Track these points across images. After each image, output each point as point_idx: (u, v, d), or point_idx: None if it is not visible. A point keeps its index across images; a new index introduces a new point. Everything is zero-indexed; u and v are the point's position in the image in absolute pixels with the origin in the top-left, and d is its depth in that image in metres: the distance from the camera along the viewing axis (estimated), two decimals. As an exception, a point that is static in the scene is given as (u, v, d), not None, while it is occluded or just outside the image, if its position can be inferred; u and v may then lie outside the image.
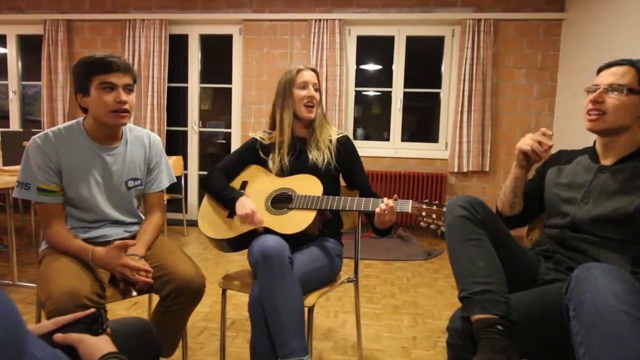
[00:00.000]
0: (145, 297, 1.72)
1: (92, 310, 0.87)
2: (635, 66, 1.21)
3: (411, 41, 4.35)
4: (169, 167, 1.73)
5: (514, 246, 1.27)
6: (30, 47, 4.88)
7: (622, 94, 1.20)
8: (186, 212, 4.48)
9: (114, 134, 1.55)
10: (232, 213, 1.65)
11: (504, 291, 1.09)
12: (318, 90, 1.74)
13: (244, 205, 1.58)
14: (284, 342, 1.31)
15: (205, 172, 4.72)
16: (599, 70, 1.30)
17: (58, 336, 0.81)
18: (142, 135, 1.65)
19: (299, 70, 1.71)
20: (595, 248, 1.20)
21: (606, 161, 1.29)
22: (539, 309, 1.09)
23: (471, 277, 1.11)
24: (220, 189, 1.68)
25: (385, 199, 1.49)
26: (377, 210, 1.47)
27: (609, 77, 1.23)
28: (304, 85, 1.70)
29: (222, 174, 1.73)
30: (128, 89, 1.46)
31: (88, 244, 1.44)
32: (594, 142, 1.37)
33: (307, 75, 1.70)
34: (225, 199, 1.66)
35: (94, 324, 0.84)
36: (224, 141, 5.01)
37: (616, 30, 3.13)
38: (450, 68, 4.31)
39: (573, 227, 1.25)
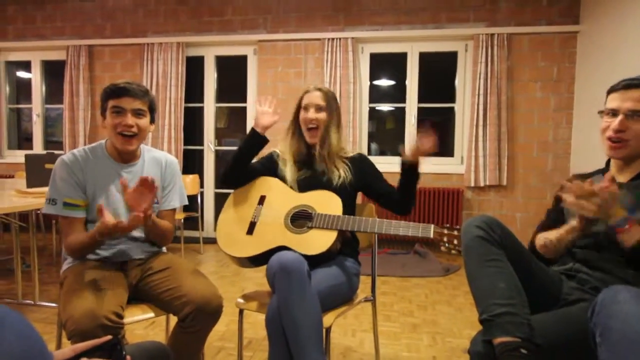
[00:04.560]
0: (163, 317, 1.73)
1: (109, 337, 0.88)
2: None
3: (424, 56, 4.37)
4: (182, 190, 1.77)
5: (534, 265, 1.24)
6: (53, 71, 5.06)
7: None
8: (202, 229, 4.52)
9: (131, 154, 1.62)
10: (252, 230, 1.65)
11: (526, 313, 1.06)
12: (324, 110, 1.72)
13: (258, 115, 1.70)
14: (302, 355, 1.30)
15: (221, 190, 4.79)
16: (611, 91, 1.26)
17: None
18: (160, 156, 1.72)
19: (305, 92, 1.76)
20: (621, 268, 1.16)
21: (622, 178, 1.27)
22: (564, 331, 1.06)
23: (491, 298, 1.08)
24: (235, 150, 1.71)
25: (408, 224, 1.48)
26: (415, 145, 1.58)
27: (626, 101, 1.20)
28: (306, 108, 1.73)
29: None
30: (138, 113, 1.54)
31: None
32: (606, 162, 1.34)
33: (310, 97, 1.73)
34: (245, 145, 1.70)
35: (114, 352, 0.85)
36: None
37: (631, 42, 3.09)
38: (464, 82, 4.30)
39: (597, 247, 1.22)
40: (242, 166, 1.73)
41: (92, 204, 1.55)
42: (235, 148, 1.75)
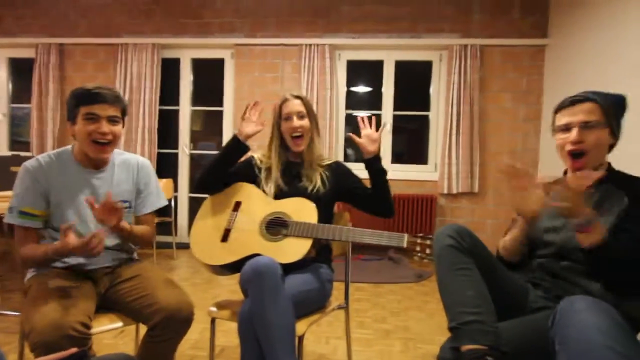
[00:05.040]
0: (132, 326, 1.69)
1: (74, 350, 0.86)
2: (595, 101, 1.26)
3: (400, 65, 4.44)
4: (159, 190, 1.74)
5: (501, 274, 1.28)
6: (20, 69, 4.89)
7: (598, 130, 1.24)
8: (176, 234, 4.44)
9: (100, 160, 1.58)
10: (226, 237, 1.64)
11: (492, 321, 1.10)
12: (305, 117, 1.74)
13: (242, 122, 1.69)
14: (275, 358, 1.30)
15: (195, 195, 4.72)
16: (559, 109, 1.32)
17: None
18: (131, 159, 1.67)
19: (283, 102, 1.75)
20: (583, 278, 1.21)
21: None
22: (528, 338, 1.10)
23: (460, 307, 1.11)
24: (215, 156, 1.71)
25: (381, 233, 1.50)
26: (360, 139, 1.66)
27: (577, 115, 1.26)
28: (288, 117, 1.72)
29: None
30: (113, 120, 1.49)
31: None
32: (564, 172, 1.40)
33: (290, 106, 1.73)
34: (226, 149, 1.70)
35: None
36: (215, 163, 5.00)
37: (596, 56, 3.24)
38: (438, 91, 4.40)
39: (559, 256, 1.27)
40: (220, 173, 1.71)
41: (56, 211, 1.50)
42: (211, 152, 1.74)
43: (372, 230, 1.54)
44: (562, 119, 1.30)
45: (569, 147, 1.27)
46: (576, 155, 1.27)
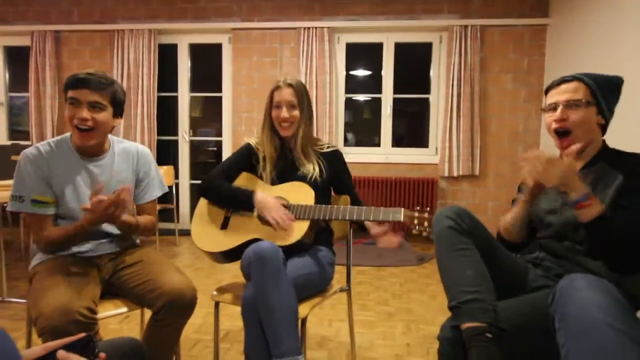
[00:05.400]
0: (138, 311, 1.71)
1: (82, 334, 0.87)
2: (582, 80, 1.26)
3: (400, 47, 4.40)
4: (160, 178, 1.74)
5: (501, 254, 1.29)
6: (17, 57, 4.84)
7: (581, 109, 1.25)
8: (178, 221, 4.47)
9: (98, 148, 1.57)
10: (226, 224, 1.66)
11: (492, 299, 1.11)
12: (297, 107, 1.71)
13: (266, 203, 1.57)
14: (278, 341, 1.33)
15: (196, 181, 4.73)
16: (548, 90, 1.34)
17: (61, 353, 0.80)
18: (130, 147, 1.67)
19: (275, 88, 1.72)
20: (582, 256, 1.22)
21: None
22: (528, 316, 1.11)
23: (460, 286, 1.13)
24: (230, 192, 1.66)
25: (379, 215, 1.51)
26: (374, 231, 1.55)
27: (563, 94, 1.27)
28: (278, 105, 1.71)
29: (222, 178, 1.72)
30: (96, 106, 1.46)
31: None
32: (560, 154, 1.40)
33: (282, 94, 1.70)
34: (238, 199, 1.63)
35: (86, 350, 0.84)
36: (214, 149, 5.00)
37: (598, 35, 3.20)
38: (438, 73, 4.36)
39: (559, 236, 1.28)
40: (222, 204, 1.71)
41: (60, 200, 1.50)
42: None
43: (368, 207, 1.55)
44: (550, 98, 1.32)
45: (554, 126, 1.29)
46: (561, 134, 1.28)
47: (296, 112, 1.71)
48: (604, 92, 1.26)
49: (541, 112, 1.36)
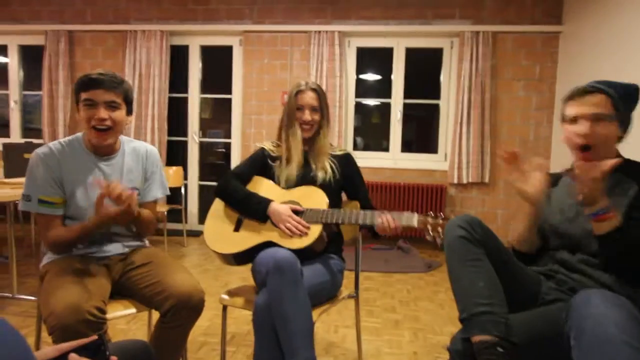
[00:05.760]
0: (145, 311, 1.72)
1: (94, 337, 0.87)
2: (606, 93, 1.23)
3: (410, 52, 4.39)
4: (163, 179, 1.75)
5: (513, 265, 1.27)
6: (31, 56, 4.91)
7: (607, 124, 1.22)
8: (186, 222, 4.49)
9: (111, 147, 1.58)
10: (239, 226, 1.66)
11: (504, 312, 1.10)
12: (318, 111, 1.76)
13: (280, 214, 1.58)
14: (294, 350, 1.32)
15: (205, 182, 4.75)
16: (569, 99, 1.29)
17: (73, 356, 0.81)
18: (140, 146, 1.68)
19: (298, 92, 1.75)
20: (599, 271, 1.20)
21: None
22: (540, 330, 1.09)
23: (471, 298, 1.11)
24: (245, 198, 1.67)
25: (393, 219, 1.50)
26: (381, 224, 1.50)
27: (588, 107, 1.23)
28: (301, 107, 1.74)
29: (238, 180, 1.73)
30: (112, 105, 1.48)
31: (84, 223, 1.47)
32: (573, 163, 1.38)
33: (306, 98, 1.74)
34: (252, 208, 1.64)
35: (98, 353, 0.84)
36: (224, 150, 5.02)
37: (612, 44, 3.17)
38: (449, 79, 4.34)
39: (572, 249, 1.26)
40: (235, 207, 1.72)
41: (70, 199, 1.51)
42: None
43: (381, 211, 1.54)
44: (571, 109, 1.27)
45: (577, 140, 1.25)
46: (584, 148, 1.25)
47: (317, 116, 1.76)
48: (625, 103, 1.23)
49: (561, 122, 1.33)
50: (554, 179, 1.43)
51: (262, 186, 1.75)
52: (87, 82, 1.46)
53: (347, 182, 1.80)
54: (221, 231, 1.68)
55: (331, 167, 1.75)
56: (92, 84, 1.45)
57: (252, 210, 1.64)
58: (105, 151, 1.58)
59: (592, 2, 3.52)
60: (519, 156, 1.26)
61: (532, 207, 1.33)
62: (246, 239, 1.62)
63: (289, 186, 1.72)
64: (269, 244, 1.56)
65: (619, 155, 1.29)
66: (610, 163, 1.11)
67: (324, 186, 1.69)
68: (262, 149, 1.84)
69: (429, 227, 1.46)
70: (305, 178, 1.73)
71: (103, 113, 1.46)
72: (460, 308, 1.14)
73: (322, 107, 1.77)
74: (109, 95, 1.46)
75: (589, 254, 1.23)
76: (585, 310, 0.91)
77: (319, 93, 1.76)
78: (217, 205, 1.76)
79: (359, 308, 1.81)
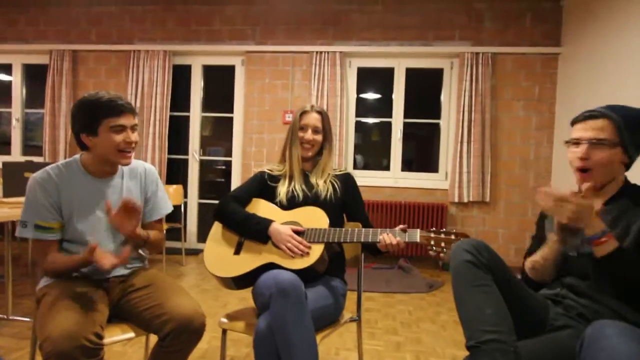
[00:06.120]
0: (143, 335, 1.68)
1: None
2: (609, 117, 1.22)
3: (410, 72, 4.43)
4: (165, 196, 1.75)
5: (520, 290, 1.25)
6: (34, 74, 4.95)
7: (605, 149, 1.22)
8: (185, 240, 4.45)
9: (113, 168, 1.58)
10: (239, 249, 1.64)
11: (512, 340, 1.07)
12: (320, 132, 1.80)
13: (280, 234, 1.57)
14: None
15: (205, 201, 4.73)
16: (574, 122, 1.31)
17: None
18: (137, 166, 1.67)
19: (303, 112, 1.80)
20: (607, 296, 1.18)
21: (595, 203, 1.29)
22: (549, 358, 1.07)
23: (479, 324, 1.09)
24: (245, 219, 1.65)
25: (395, 235, 1.48)
26: (384, 241, 1.49)
27: (588, 131, 1.24)
28: (304, 128, 1.79)
29: (237, 202, 1.73)
30: (135, 129, 1.52)
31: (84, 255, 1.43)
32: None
33: (309, 118, 1.79)
34: (252, 229, 1.63)
35: None
36: (224, 167, 5.02)
37: (610, 65, 3.20)
38: (449, 99, 4.37)
39: (581, 275, 1.24)
40: (233, 229, 1.71)
41: (68, 223, 1.50)
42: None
43: (383, 229, 1.54)
44: (575, 132, 1.29)
45: (575, 163, 1.27)
46: (583, 171, 1.26)
47: (319, 137, 1.80)
48: (633, 129, 1.22)
49: (565, 144, 1.34)
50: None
51: (261, 208, 1.74)
52: (114, 108, 1.45)
53: (347, 201, 1.79)
54: (221, 254, 1.66)
55: (333, 185, 1.76)
56: (121, 110, 1.46)
57: (252, 231, 1.63)
58: (106, 172, 1.57)
59: (590, 24, 3.57)
60: (552, 192, 1.19)
61: (559, 239, 1.28)
62: (247, 261, 1.59)
63: (290, 203, 1.72)
64: (270, 266, 1.54)
65: (627, 182, 1.28)
66: (585, 186, 1.10)
67: (326, 203, 1.69)
68: (262, 172, 1.85)
69: (432, 242, 1.45)
70: (308, 195, 1.73)
71: (134, 137, 1.50)
72: (467, 335, 1.12)
73: (325, 128, 1.81)
74: (134, 119, 1.51)
75: (599, 281, 1.20)
76: (599, 342, 0.89)
77: (323, 116, 1.82)
78: (217, 228, 1.75)
79: (361, 332, 1.78)
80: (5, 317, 2.56)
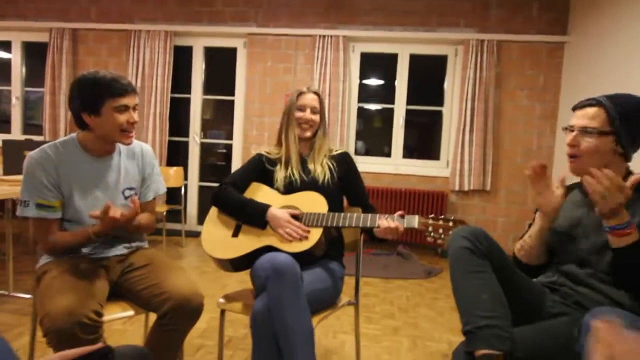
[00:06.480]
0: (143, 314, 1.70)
1: (101, 345, 0.85)
2: (604, 106, 1.21)
3: (414, 58, 4.38)
4: (160, 176, 1.75)
5: (517, 277, 1.26)
6: (34, 52, 4.90)
7: (593, 137, 1.21)
8: (185, 222, 4.47)
9: (112, 147, 1.57)
10: (237, 232, 1.64)
11: (508, 326, 1.08)
12: (318, 113, 1.79)
13: (279, 219, 1.57)
14: (295, 357, 1.31)
15: (205, 183, 4.73)
16: (573, 109, 1.31)
17: None
18: (134, 146, 1.66)
19: (300, 93, 1.79)
20: (606, 285, 1.19)
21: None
22: (545, 345, 1.08)
23: (475, 310, 1.10)
24: (242, 205, 1.65)
25: (393, 220, 1.48)
26: (383, 225, 1.48)
27: (581, 119, 1.25)
28: (302, 108, 1.77)
29: (234, 187, 1.72)
30: (136, 109, 1.52)
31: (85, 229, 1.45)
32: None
33: (307, 99, 1.78)
34: (249, 214, 1.63)
35: None
36: (224, 151, 5.01)
37: (617, 54, 3.16)
38: (452, 86, 4.33)
39: (581, 263, 1.24)
40: (232, 214, 1.70)
41: (69, 202, 1.49)
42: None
43: (382, 214, 1.53)
44: (571, 119, 1.30)
45: (566, 149, 1.29)
46: (571, 157, 1.27)
47: (317, 117, 1.79)
48: (627, 120, 1.19)
49: (562, 130, 1.34)
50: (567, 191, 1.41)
51: (260, 193, 1.74)
52: (118, 88, 1.43)
53: (345, 182, 1.78)
54: (219, 236, 1.66)
55: (330, 168, 1.75)
56: (125, 90, 1.45)
57: (250, 217, 1.63)
58: (104, 152, 1.56)
59: (597, 13, 3.52)
60: (547, 170, 1.28)
61: (544, 223, 1.31)
62: (245, 244, 1.60)
63: (288, 188, 1.71)
64: (268, 249, 1.54)
65: (628, 173, 1.27)
66: (633, 179, 1.09)
67: (324, 188, 1.68)
68: (260, 155, 1.84)
69: (430, 228, 1.45)
70: (305, 179, 1.72)
71: (136, 116, 1.51)
72: (463, 320, 1.13)
73: (321, 110, 1.81)
74: (136, 99, 1.51)
75: (597, 270, 1.21)
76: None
77: (320, 97, 1.81)
78: (215, 210, 1.75)
79: (358, 315, 1.79)
80: (6, 293, 2.58)
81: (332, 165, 1.77)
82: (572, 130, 1.27)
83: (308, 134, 1.78)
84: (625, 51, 3.08)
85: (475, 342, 1.06)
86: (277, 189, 1.73)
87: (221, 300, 1.62)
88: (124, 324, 2.30)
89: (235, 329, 2.32)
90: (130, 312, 1.48)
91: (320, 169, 1.74)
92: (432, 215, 1.48)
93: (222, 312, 1.63)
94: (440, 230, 1.44)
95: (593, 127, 1.21)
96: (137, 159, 1.65)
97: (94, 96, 1.43)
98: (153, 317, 1.46)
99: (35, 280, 1.48)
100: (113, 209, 1.36)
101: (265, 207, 1.61)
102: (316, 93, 1.80)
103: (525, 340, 1.07)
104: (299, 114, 1.77)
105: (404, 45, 4.36)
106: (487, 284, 1.14)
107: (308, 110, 1.76)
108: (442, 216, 1.47)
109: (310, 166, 1.76)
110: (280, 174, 1.75)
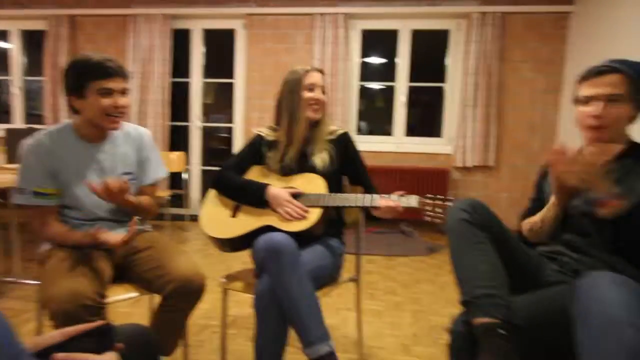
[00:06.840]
0: (147, 295, 1.72)
1: (101, 322, 0.85)
2: (623, 72, 1.17)
3: (416, 34, 4.30)
4: (159, 161, 1.72)
5: (515, 247, 1.25)
6: (33, 42, 4.87)
7: (622, 103, 1.17)
8: (188, 207, 4.49)
9: (103, 132, 1.56)
10: (236, 212, 1.64)
11: (506, 294, 1.08)
12: (324, 92, 1.71)
13: (278, 198, 1.55)
14: (307, 329, 1.33)
15: (207, 167, 4.74)
16: (584, 79, 1.25)
17: (58, 357, 0.77)
18: (131, 130, 1.65)
19: (306, 72, 1.67)
20: (606, 253, 1.18)
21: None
22: (543, 312, 1.08)
23: (473, 280, 1.10)
24: (242, 186, 1.64)
25: (392, 197, 1.47)
26: (382, 204, 1.47)
27: (604, 87, 1.19)
28: (312, 88, 1.66)
29: (234, 171, 1.71)
30: (125, 93, 1.48)
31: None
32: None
33: (314, 77, 1.67)
34: (249, 194, 1.61)
35: (104, 338, 0.82)
36: (226, 135, 5.00)
37: (624, 24, 3.08)
38: (455, 62, 4.26)
39: (581, 232, 1.23)
40: (232, 197, 1.69)
41: (66, 189, 1.49)
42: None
43: (381, 194, 1.52)
44: (586, 90, 1.23)
45: (589, 121, 1.21)
46: (596, 128, 1.21)
47: (325, 97, 1.71)
48: None
49: (574, 103, 1.29)
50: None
51: (259, 175, 1.72)
52: (102, 70, 1.40)
53: (345, 163, 1.72)
54: (218, 216, 1.66)
55: (329, 152, 1.69)
56: (109, 72, 1.41)
57: (250, 197, 1.62)
58: (99, 137, 1.55)
59: (603, -20, 3.41)
60: (566, 151, 1.15)
61: (563, 201, 1.24)
62: (244, 223, 1.60)
63: (287, 173, 1.68)
64: (268, 228, 1.54)
65: (629, 139, 1.25)
66: (612, 149, 1.07)
67: (323, 172, 1.65)
68: (259, 136, 1.79)
69: (429, 208, 1.44)
70: (303, 165, 1.68)
71: (123, 101, 1.45)
72: (462, 291, 1.13)
73: (324, 90, 1.72)
74: (123, 83, 1.46)
75: (597, 236, 1.19)
76: (591, 292, 0.89)
77: (324, 76, 1.72)
78: (213, 195, 1.74)
79: (360, 290, 1.81)
80: (14, 280, 2.63)
81: (332, 149, 1.70)
82: (589, 101, 1.21)
83: (319, 115, 1.69)
84: (632, 19, 2.99)
85: (473, 311, 1.06)
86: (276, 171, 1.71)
87: (223, 279, 1.64)
88: (129, 307, 2.34)
89: (239, 308, 2.35)
90: (134, 293, 1.50)
91: (320, 154, 1.67)
92: (431, 195, 1.47)
93: (225, 291, 1.65)
94: (439, 210, 1.43)
95: (620, 93, 1.17)
96: (133, 143, 1.63)
97: (80, 79, 1.41)
98: (157, 298, 1.48)
99: (39, 263, 1.50)
100: (103, 235, 1.39)
101: (265, 186, 1.60)
102: (320, 71, 1.71)
103: (523, 308, 1.07)
104: (308, 94, 1.65)
105: (406, 20, 4.27)
106: (486, 255, 1.14)
107: (318, 90, 1.67)
108: (441, 196, 1.45)
109: (310, 150, 1.69)
110: (276, 159, 1.69)
